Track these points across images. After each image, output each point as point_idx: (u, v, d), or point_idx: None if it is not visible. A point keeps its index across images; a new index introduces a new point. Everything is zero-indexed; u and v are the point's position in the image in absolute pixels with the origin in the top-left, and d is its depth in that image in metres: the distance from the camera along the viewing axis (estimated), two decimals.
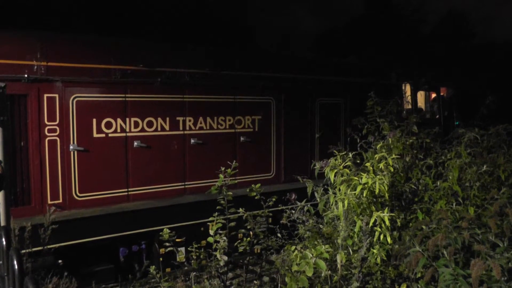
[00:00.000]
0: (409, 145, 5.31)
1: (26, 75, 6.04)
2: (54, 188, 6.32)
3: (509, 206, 3.89)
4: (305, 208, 4.90)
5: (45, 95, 6.21)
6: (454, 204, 4.51)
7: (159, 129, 7.15)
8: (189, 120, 7.45)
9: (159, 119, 7.15)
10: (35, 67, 6.13)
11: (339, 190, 4.36)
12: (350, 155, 4.69)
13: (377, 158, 4.61)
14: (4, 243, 3.79)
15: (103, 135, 6.67)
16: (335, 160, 4.59)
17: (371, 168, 4.52)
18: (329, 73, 9.41)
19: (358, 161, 4.91)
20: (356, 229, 4.18)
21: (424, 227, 3.91)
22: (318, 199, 4.84)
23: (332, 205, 4.51)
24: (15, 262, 3.07)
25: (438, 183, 4.85)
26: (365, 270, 4.15)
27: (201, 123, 7.58)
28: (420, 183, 5.01)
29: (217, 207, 4.58)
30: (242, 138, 8.07)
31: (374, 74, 10.09)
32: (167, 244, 4.73)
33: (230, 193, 4.68)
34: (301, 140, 8.96)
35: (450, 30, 24.42)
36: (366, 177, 4.22)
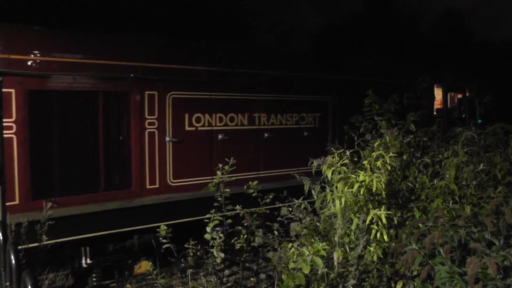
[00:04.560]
0: (407, 143, 5.32)
1: (131, 75, 6.77)
2: (152, 174, 7.07)
3: (505, 205, 3.90)
4: (302, 206, 4.90)
5: (146, 92, 6.97)
6: (450, 202, 4.53)
7: (239, 123, 8.02)
8: (263, 116, 8.33)
9: (239, 115, 8.01)
10: (138, 67, 6.88)
11: (336, 187, 4.37)
12: (348, 153, 4.69)
13: (374, 156, 4.62)
14: (1, 238, 3.79)
15: (194, 128, 7.48)
16: (333, 157, 4.60)
17: (368, 166, 4.52)
18: (374, 75, 10.02)
19: (356, 159, 4.91)
20: (353, 227, 4.19)
21: (420, 225, 3.92)
22: (315, 197, 4.85)
23: (329, 202, 4.52)
24: (12, 257, 3.07)
25: (435, 182, 4.86)
26: (361, 267, 4.16)
27: (272, 119, 8.46)
28: (417, 182, 5.02)
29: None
30: (305, 133, 8.83)
31: (409, 76, 10.88)
32: (164, 240, 4.73)
33: (228, 190, 4.72)
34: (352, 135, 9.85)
35: (448, 28, 24.42)
36: (363, 175, 4.23)
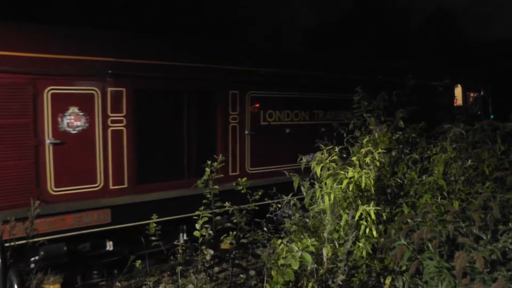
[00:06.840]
0: (396, 140, 5.34)
1: (219, 76, 7.76)
2: (234, 163, 8.09)
3: (492, 200, 3.93)
4: (291, 202, 4.90)
5: (230, 91, 7.96)
6: (439, 198, 4.55)
7: (301, 119, 9.11)
8: (320, 113, 9.43)
9: (302, 112, 9.10)
10: (224, 69, 7.87)
11: (325, 184, 4.37)
12: (337, 149, 4.69)
13: (363, 152, 4.62)
14: None
15: (267, 123, 8.55)
16: (322, 154, 4.59)
17: (357, 162, 4.52)
18: (405, 75, 10.61)
19: (345, 155, 4.92)
20: (342, 223, 4.19)
21: (409, 220, 3.94)
22: (304, 193, 4.84)
23: (318, 199, 4.52)
24: None
25: (424, 178, 4.88)
26: (351, 263, 4.16)
27: (328, 115, 9.53)
28: (406, 177, 5.05)
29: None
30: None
31: (435, 77, 11.99)
32: (153, 238, 4.70)
33: (217, 186, 4.71)
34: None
35: (437, 27, 24.55)
36: (352, 171, 4.23)
